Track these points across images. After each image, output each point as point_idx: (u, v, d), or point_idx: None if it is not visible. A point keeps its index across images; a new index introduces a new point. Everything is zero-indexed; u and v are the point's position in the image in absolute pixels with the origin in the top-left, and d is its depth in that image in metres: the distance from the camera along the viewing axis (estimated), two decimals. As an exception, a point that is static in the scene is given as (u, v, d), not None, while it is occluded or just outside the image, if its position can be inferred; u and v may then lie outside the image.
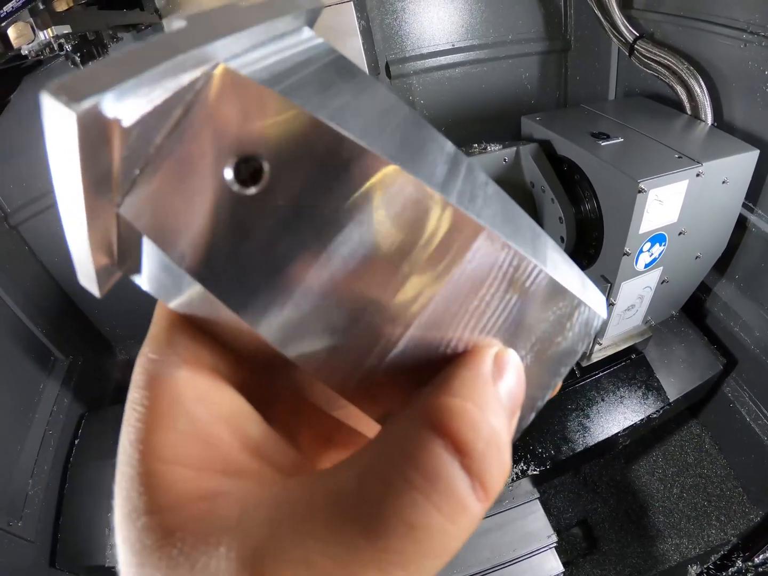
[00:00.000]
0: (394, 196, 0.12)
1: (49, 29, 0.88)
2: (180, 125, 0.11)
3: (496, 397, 0.13)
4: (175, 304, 0.14)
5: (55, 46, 0.90)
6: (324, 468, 0.17)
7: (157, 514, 0.12)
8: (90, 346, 1.39)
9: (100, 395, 1.34)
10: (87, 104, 0.09)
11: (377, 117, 0.14)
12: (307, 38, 0.16)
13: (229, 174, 0.11)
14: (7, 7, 0.88)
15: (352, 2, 1.01)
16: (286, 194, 0.12)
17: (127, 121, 0.10)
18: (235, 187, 0.12)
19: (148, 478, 0.12)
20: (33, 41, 0.89)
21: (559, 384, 0.18)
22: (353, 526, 0.11)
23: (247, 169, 0.12)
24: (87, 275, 0.13)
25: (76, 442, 1.16)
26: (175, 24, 0.12)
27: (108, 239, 0.13)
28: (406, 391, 0.14)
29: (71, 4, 0.94)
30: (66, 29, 0.88)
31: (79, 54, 0.93)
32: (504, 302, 0.14)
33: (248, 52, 0.13)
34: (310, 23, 0.17)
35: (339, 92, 0.14)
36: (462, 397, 0.12)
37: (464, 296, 0.13)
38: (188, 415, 0.13)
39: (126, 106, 0.10)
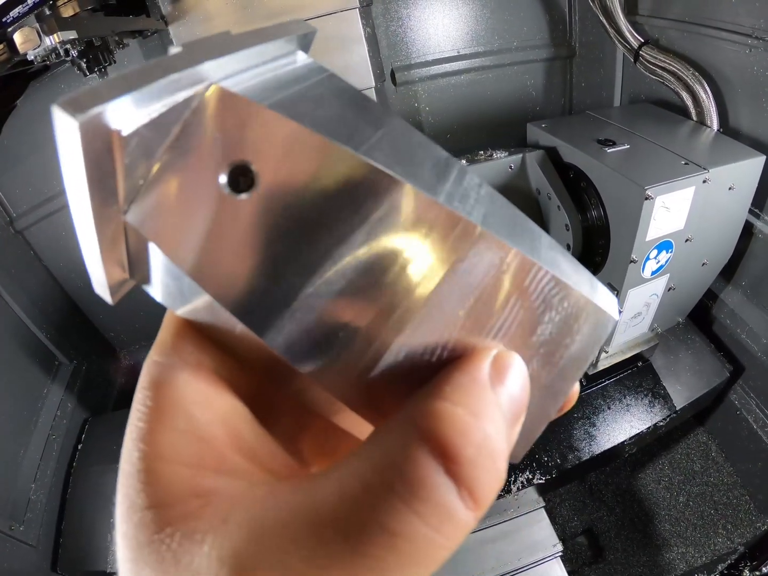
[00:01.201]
0: (379, 197, 0.12)
1: (55, 35, 0.88)
2: (179, 139, 0.13)
3: (492, 402, 0.13)
4: (182, 311, 0.15)
5: (61, 52, 0.90)
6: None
7: (152, 509, 0.12)
8: (94, 351, 1.40)
9: (103, 400, 1.34)
10: (89, 114, 0.10)
11: (363, 125, 0.14)
12: (299, 60, 0.16)
13: (223, 179, 0.12)
14: (14, 12, 0.89)
15: (357, 10, 1.02)
16: (277, 199, 0.12)
17: (126, 130, 0.11)
18: (229, 193, 0.12)
19: (147, 474, 0.12)
20: (39, 46, 0.89)
21: (573, 392, 0.17)
22: (333, 532, 0.11)
23: (242, 177, 0.12)
24: (100, 282, 0.14)
25: (80, 446, 1.16)
26: (172, 50, 0.13)
27: (118, 249, 0.13)
28: (404, 397, 0.14)
29: (77, 10, 0.94)
30: (72, 35, 0.89)
31: (85, 59, 0.94)
32: (503, 303, 0.13)
33: (241, 73, 0.14)
34: (305, 48, 0.17)
35: (324, 103, 0.14)
36: (452, 402, 0.12)
37: (459, 297, 0.13)
38: (187, 416, 0.13)
39: (123, 116, 0.11)
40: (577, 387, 0.17)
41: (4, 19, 0.87)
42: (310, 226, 0.12)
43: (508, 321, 0.14)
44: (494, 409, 0.13)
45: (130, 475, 0.12)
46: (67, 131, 0.10)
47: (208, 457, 0.13)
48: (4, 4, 0.85)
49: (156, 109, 0.12)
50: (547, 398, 0.15)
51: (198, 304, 0.14)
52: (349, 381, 0.13)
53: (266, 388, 0.16)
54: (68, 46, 0.89)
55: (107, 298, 0.14)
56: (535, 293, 0.14)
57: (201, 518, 0.12)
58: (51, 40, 0.87)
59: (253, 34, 0.14)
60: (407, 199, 0.12)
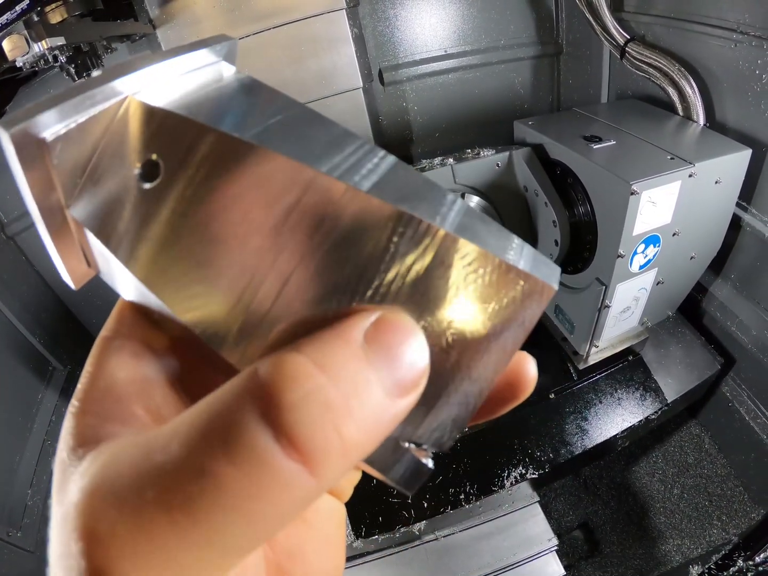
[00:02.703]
0: (259, 172, 0.13)
1: (43, 41, 0.88)
2: (105, 143, 0.15)
3: (354, 357, 0.12)
4: (124, 294, 0.17)
5: (50, 58, 0.90)
6: None
7: (65, 452, 0.13)
8: (88, 355, 1.39)
9: (98, 404, 1.34)
10: (17, 127, 0.13)
11: (259, 114, 0.15)
12: (220, 68, 0.18)
13: (137, 172, 0.15)
14: (2, 19, 0.89)
15: (344, 10, 1.02)
16: (178, 185, 0.14)
17: (50, 137, 0.14)
18: (142, 184, 0.15)
19: (71, 425, 0.14)
20: (27, 53, 0.89)
21: (528, 377, 0.16)
22: (156, 477, 0.11)
23: (151, 170, 0.15)
24: (61, 270, 0.17)
25: (75, 451, 1.16)
26: (94, 72, 0.15)
27: (71, 240, 0.16)
28: None
29: (65, 16, 0.95)
30: (60, 41, 0.89)
31: (73, 65, 0.94)
32: (396, 270, 0.13)
33: (157, 84, 0.16)
34: (229, 58, 0.18)
35: (226, 100, 0.16)
36: (299, 351, 0.11)
37: (348, 264, 0.13)
38: (108, 376, 0.15)
39: (47, 127, 0.14)
40: (531, 369, 0.16)
41: (-8, 26, 0.87)
42: (206, 207, 0.14)
43: (405, 289, 0.13)
44: (356, 366, 0.12)
45: (63, 428, 0.14)
46: (4, 142, 0.13)
47: (117, 410, 0.14)
48: (-9, 11, 0.86)
49: (77, 119, 0.14)
50: (472, 377, 0.14)
51: (127, 284, 0.16)
52: (246, 351, 0.13)
53: (198, 363, 0.16)
54: (56, 52, 0.89)
55: (70, 284, 0.17)
56: (437, 259, 0.13)
57: (87, 458, 0.13)
58: (39, 47, 0.87)
59: (172, 51, 0.16)
60: (281, 169, 0.13)
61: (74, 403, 0.14)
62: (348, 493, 0.20)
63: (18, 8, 0.88)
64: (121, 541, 0.10)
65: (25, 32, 0.89)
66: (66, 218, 0.16)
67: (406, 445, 0.15)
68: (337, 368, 0.11)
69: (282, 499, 0.11)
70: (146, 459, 0.11)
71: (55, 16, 0.94)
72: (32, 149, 0.14)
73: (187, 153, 0.14)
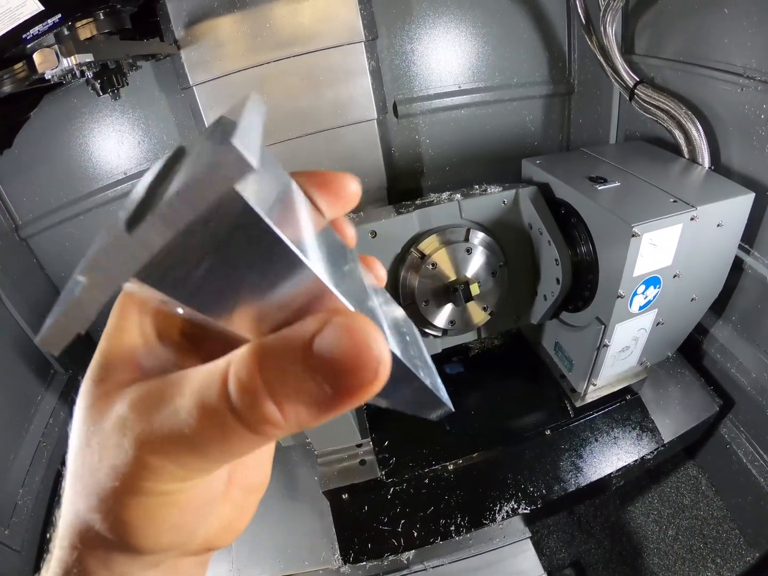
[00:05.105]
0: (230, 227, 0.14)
1: (72, 57, 0.91)
2: None
3: (292, 357, 0.14)
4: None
5: (77, 73, 0.93)
6: None
7: (89, 383, 0.19)
8: (90, 362, 1.40)
9: (96, 409, 1.34)
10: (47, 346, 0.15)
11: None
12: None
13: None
14: (34, 30, 0.92)
15: (363, 43, 1.06)
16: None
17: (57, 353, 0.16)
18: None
19: (92, 370, 0.19)
20: (56, 67, 0.92)
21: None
22: (170, 403, 0.16)
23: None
24: None
25: (69, 456, 1.16)
26: (79, 277, 0.15)
27: None
28: None
29: (95, 33, 0.98)
30: (88, 57, 0.92)
31: (99, 81, 0.97)
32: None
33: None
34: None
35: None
36: (255, 345, 0.15)
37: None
38: (119, 337, 0.19)
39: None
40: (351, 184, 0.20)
41: (24, 36, 0.91)
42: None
43: None
44: (288, 365, 0.14)
45: (90, 364, 0.19)
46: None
47: (126, 364, 0.19)
48: (24, 22, 0.89)
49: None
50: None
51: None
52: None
53: (197, 328, 0.20)
54: (84, 67, 0.93)
55: None
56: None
57: (127, 390, 0.18)
58: (68, 62, 0.90)
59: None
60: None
61: (96, 356, 0.19)
62: None
63: (50, 21, 0.92)
64: (152, 442, 0.16)
65: (56, 47, 0.92)
66: None
67: None
68: (272, 363, 0.15)
69: (229, 441, 0.15)
70: (166, 395, 0.16)
71: (85, 32, 0.98)
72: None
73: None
